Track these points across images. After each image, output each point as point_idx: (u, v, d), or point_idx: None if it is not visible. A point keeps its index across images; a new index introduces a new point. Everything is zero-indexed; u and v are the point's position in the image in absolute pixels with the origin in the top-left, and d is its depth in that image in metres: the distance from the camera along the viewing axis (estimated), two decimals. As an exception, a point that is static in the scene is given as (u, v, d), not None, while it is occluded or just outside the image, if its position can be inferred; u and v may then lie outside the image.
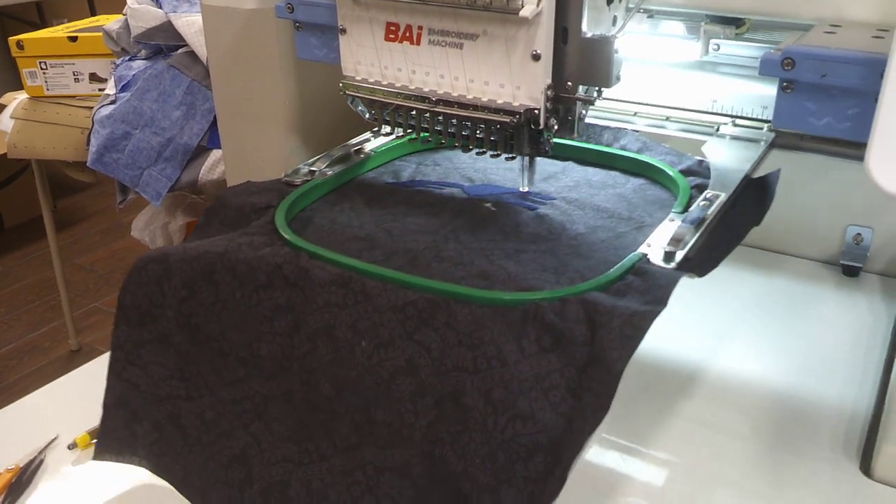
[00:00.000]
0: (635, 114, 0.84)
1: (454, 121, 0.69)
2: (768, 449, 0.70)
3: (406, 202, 0.73)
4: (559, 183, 0.77)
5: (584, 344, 0.53)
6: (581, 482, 0.67)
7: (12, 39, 1.83)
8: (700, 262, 0.61)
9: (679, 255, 0.59)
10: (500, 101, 0.65)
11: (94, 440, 0.75)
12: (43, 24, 3.33)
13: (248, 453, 0.59)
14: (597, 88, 0.66)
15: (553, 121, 0.66)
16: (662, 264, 0.59)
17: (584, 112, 0.67)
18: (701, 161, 0.76)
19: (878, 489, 0.66)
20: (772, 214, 0.73)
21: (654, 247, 0.61)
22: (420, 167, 0.82)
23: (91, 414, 0.77)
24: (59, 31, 1.89)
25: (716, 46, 0.84)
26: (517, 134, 0.67)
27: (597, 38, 0.62)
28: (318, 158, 0.79)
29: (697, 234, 0.62)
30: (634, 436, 0.72)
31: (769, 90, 0.76)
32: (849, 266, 0.96)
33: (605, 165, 0.80)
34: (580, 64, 0.63)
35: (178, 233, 1.66)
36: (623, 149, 0.81)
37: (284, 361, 0.58)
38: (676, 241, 0.61)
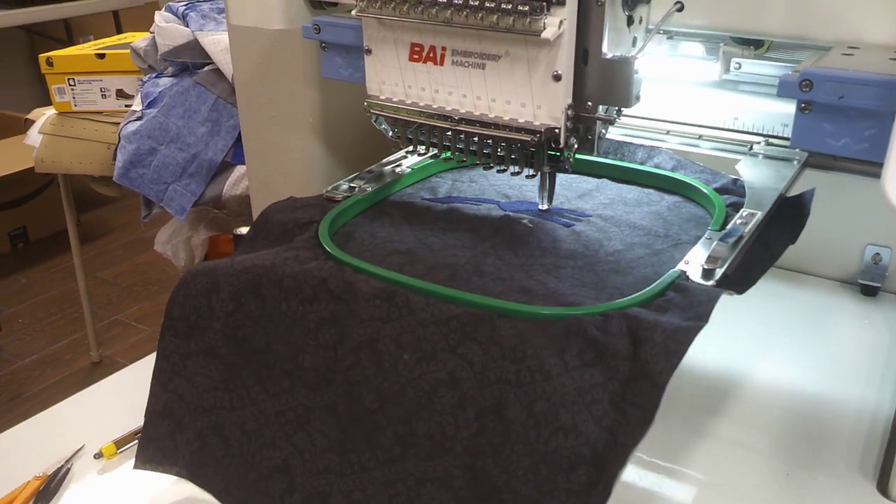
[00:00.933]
0: (668, 132, 0.85)
1: (476, 139, 0.70)
2: (785, 467, 0.71)
3: (444, 218, 0.75)
4: (594, 200, 0.78)
5: (626, 358, 0.53)
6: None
7: (42, 56, 1.87)
8: (738, 279, 0.62)
9: (718, 273, 0.60)
10: (521, 121, 0.66)
11: (120, 450, 0.76)
12: (70, 42, 3.40)
13: (291, 464, 0.60)
14: (616, 108, 0.67)
15: (573, 140, 0.67)
16: (701, 281, 0.60)
17: (603, 131, 0.68)
18: (735, 180, 0.76)
19: (895, 508, 0.66)
20: (790, 233, 0.73)
21: (693, 264, 0.62)
22: (456, 183, 0.83)
23: (117, 424, 0.78)
24: (88, 48, 1.92)
25: (737, 65, 0.85)
26: (537, 152, 0.68)
27: (617, 59, 0.63)
28: (357, 175, 0.81)
29: (735, 252, 0.63)
30: (651, 450, 0.72)
31: (791, 108, 0.77)
32: (867, 286, 0.96)
33: (639, 183, 0.81)
34: (600, 84, 0.64)
35: (200, 247, 1.68)
36: (657, 167, 0.81)
37: (328, 373, 0.60)
38: (714, 258, 0.61)
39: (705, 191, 0.75)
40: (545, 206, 0.75)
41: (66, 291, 2.72)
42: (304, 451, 0.60)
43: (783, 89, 0.61)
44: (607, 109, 0.66)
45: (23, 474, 0.73)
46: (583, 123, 0.67)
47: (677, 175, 0.79)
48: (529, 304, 0.59)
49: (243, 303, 0.63)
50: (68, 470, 0.74)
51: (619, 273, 0.65)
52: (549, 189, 0.74)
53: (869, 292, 0.96)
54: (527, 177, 0.71)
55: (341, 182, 0.79)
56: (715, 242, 0.64)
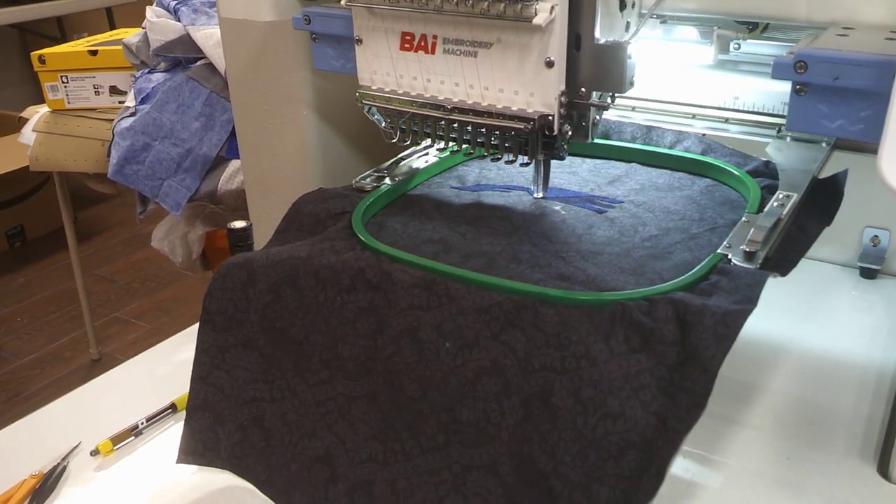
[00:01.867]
0: (694, 116, 0.84)
1: (469, 128, 0.69)
2: (785, 451, 0.70)
3: (475, 206, 0.74)
4: (625, 186, 0.77)
5: (673, 343, 0.53)
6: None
7: (34, 54, 1.86)
8: (780, 261, 0.61)
9: (761, 255, 0.59)
10: (514, 108, 0.66)
11: (117, 447, 0.76)
12: (63, 39, 3.38)
13: (333, 453, 0.60)
14: (610, 94, 0.66)
15: (567, 127, 0.66)
16: (744, 264, 0.59)
17: (598, 118, 0.68)
18: (767, 162, 0.76)
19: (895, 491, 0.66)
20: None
21: (734, 247, 0.61)
22: (484, 171, 0.82)
23: (113, 421, 0.78)
24: (80, 45, 1.91)
25: (736, 45, 0.84)
26: (531, 140, 0.67)
27: (610, 45, 0.63)
28: (384, 165, 0.80)
29: (776, 234, 0.62)
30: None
31: (789, 87, 0.76)
32: (866, 268, 0.96)
33: (669, 168, 0.80)
34: (593, 70, 0.64)
35: (197, 242, 1.68)
36: (686, 151, 0.81)
37: (368, 363, 0.59)
38: (756, 241, 0.61)
39: (738, 174, 0.75)
40: (541, 194, 0.74)
41: (65, 289, 2.72)
42: (346, 441, 0.59)
43: (778, 71, 0.60)
44: (601, 95, 0.66)
45: (19, 472, 0.73)
46: (576, 110, 0.66)
47: (708, 158, 0.78)
48: (571, 290, 0.58)
49: (281, 294, 0.63)
50: (65, 467, 0.74)
51: (658, 258, 0.64)
52: (543, 176, 0.74)
53: (868, 275, 0.96)
54: (521, 165, 0.70)
55: (368, 172, 0.79)
56: (754, 225, 0.63)
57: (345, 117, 0.96)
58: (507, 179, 0.80)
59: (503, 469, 0.54)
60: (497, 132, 0.68)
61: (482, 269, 0.62)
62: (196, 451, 0.66)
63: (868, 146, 0.79)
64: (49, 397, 0.81)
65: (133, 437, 0.77)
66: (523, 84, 0.65)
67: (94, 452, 0.75)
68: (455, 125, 0.69)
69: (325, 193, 0.75)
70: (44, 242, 3.04)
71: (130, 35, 1.61)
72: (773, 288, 0.94)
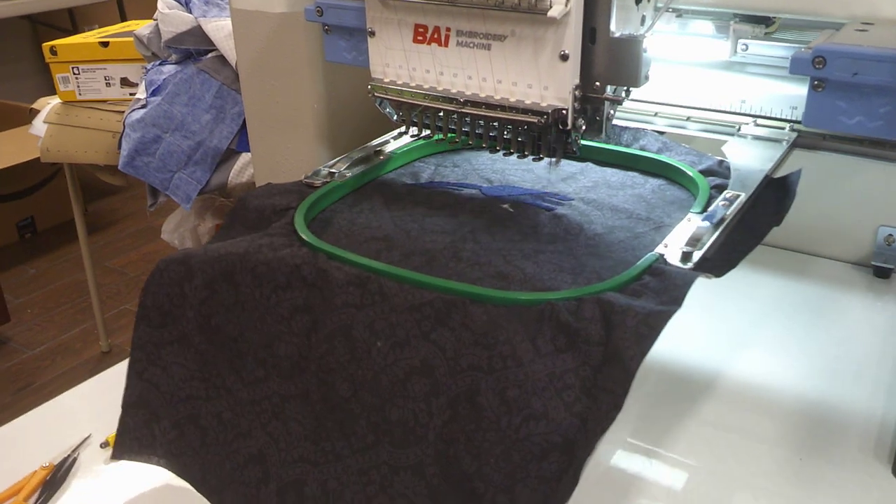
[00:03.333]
0: (656, 114, 0.83)
1: (481, 122, 0.69)
2: (797, 452, 0.70)
3: (425, 203, 0.74)
4: (577, 184, 0.77)
5: (598, 343, 0.52)
6: (607, 486, 0.67)
7: (46, 45, 1.86)
8: (718, 262, 0.60)
9: (696, 256, 0.59)
10: (527, 102, 0.65)
11: (125, 439, 0.76)
12: (75, 30, 3.39)
13: (266, 452, 0.60)
14: (625, 88, 0.65)
15: (581, 121, 0.65)
16: (679, 265, 0.58)
17: (612, 112, 0.67)
18: (721, 161, 0.75)
19: (911, 492, 0.65)
20: (802, 215, 0.72)
21: (672, 247, 0.61)
22: (439, 168, 0.82)
23: (123, 413, 0.78)
24: (91, 36, 1.91)
25: (744, 46, 0.83)
26: (544, 134, 0.67)
27: (625, 38, 0.62)
28: (339, 160, 0.79)
29: (716, 234, 0.61)
30: (661, 439, 0.72)
31: (798, 90, 0.75)
32: (880, 267, 0.95)
33: (624, 166, 0.80)
34: (608, 64, 0.63)
35: (207, 235, 1.68)
36: (643, 149, 0.80)
37: (302, 362, 0.59)
38: (694, 241, 0.60)
39: (690, 173, 0.74)
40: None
41: (75, 281, 2.73)
42: (279, 440, 0.59)
43: (796, 66, 0.60)
44: (615, 89, 0.65)
45: (30, 464, 0.73)
46: (590, 104, 0.65)
47: (662, 157, 0.78)
48: (504, 290, 0.58)
49: (216, 290, 0.62)
50: (75, 459, 0.74)
51: (598, 257, 0.64)
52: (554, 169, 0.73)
53: (882, 274, 0.95)
54: (534, 159, 0.70)
55: (321, 167, 0.78)
56: (696, 224, 0.63)
57: (355, 110, 0.96)
58: (461, 177, 0.80)
59: (430, 470, 0.54)
60: (510, 126, 0.67)
61: (421, 267, 0.62)
62: (132, 448, 0.65)
63: (825, 144, 0.78)
64: (59, 389, 0.81)
65: (142, 430, 0.77)
66: (537, 77, 0.64)
67: (104, 444, 0.75)
68: (467, 118, 0.69)
69: (272, 189, 0.74)
70: (54, 234, 3.05)
71: (142, 27, 1.61)
72: (787, 287, 0.94)
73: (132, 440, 0.65)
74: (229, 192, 1.52)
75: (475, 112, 0.68)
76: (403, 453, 0.55)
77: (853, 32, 0.63)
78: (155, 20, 1.55)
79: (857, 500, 0.65)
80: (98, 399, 0.84)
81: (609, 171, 0.80)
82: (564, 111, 0.64)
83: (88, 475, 0.73)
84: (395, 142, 0.84)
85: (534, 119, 0.65)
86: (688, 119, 0.82)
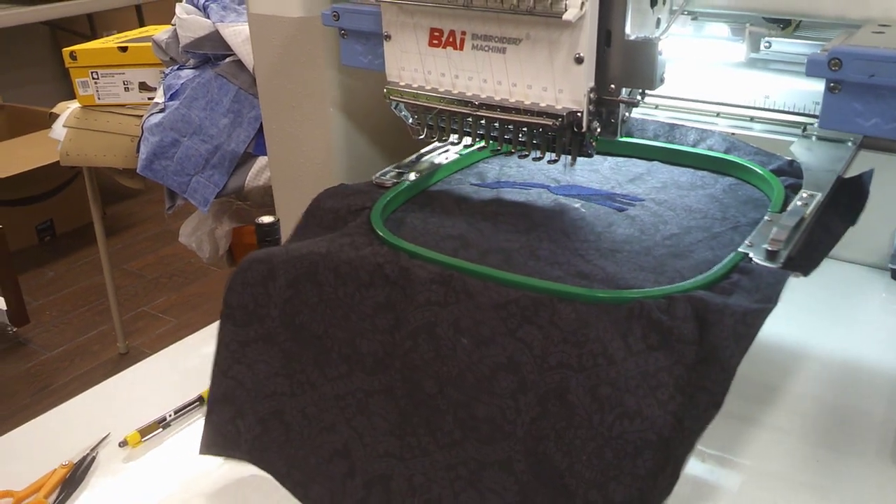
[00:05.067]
0: (718, 114, 0.83)
1: (497, 124, 0.69)
2: (815, 452, 0.69)
3: (494, 203, 0.74)
4: (646, 184, 0.77)
5: (692, 342, 0.52)
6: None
7: (66, 50, 1.88)
8: (803, 261, 0.60)
9: (783, 255, 0.59)
10: (542, 105, 0.65)
11: (145, 438, 0.77)
12: (94, 36, 3.42)
13: (351, 447, 0.60)
14: (640, 91, 0.66)
15: (596, 123, 0.66)
16: (766, 263, 0.58)
17: (627, 114, 0.67)
18: (791, 161, 0.75)
19: (928, 496, 0.65)
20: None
21: (756, 246, 0.60)
22: (504, 168, 0.82)
23: (141, 413, 0.79)
24: (110, 41, 1.93)
25: (767, 44, 0.83)
26: (559, 137, 0.67)
27: (640, 41, 0.62)
28: (404, 161, 0.80)
29: (799, 233, 0.61)
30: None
31: (822, 86, 0.75)
32: (898, 270, 0.94)
33: (692, 166, 0.79)
34: (623, 66, 0.63)
35: (224, 238, 1.69)
36: (710, 149, 0.80)
37: (386, 358, 0.59)
38: (778, 240, 0.60)
39: (762, 172, 0.74)
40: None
41: (93, 284, 2.75)
42: (364, 435, 0.60)
43: (812, 68, 0.60)
44: (630, 92, 0.65)
45: (49, 462, 0.74)
46: (606, 107, 0.65)
47: (731, 157, 0.78)
48: (589, 288, 0.58)
49: (300, 289, 0.63)
50: (94, 458, 0.75)
51: (678, 257, 0.63)
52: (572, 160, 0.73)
53: (899, 277, 0.94)
54: (549, 162, 0.70)
55: (389, 169, 0.79)
56: (776, 224, 0.62)
57: (371, 114, 0.96)
58: (527, 177, 0.80)
59: (518, 466, 0.54)
60: (525, 129, 0.68)
61: (500, 265, 0.62)
62: (217, 443, 0.66)
63: (891, 147, 0.78)
64: (77, 390, 0.82)
65: (161, 430, 0.78)
66: (552, 80, 0.64)
67: (123, 444, 0.76)
68: (483, 122, 0.69)
69: (345, 189, 0.75)
70: (73, 237, 3.08)
71: (160, 32, 1.62)
72: (803, 289, 0.93)
73: (218, 436, 0.66)
74: (246, 196, 1.53)
75: (490, 115, 0.68)
76: (491, 449, 0.55)
77: (870, 34, 0.63)
78: (173, 25, 1.56)
79: (873, 502, 0.64)
80: (116, 398, 0.85)
81: (676, 171, 0.79)
82: (579, 114, 0.64)
83: (107, 473, 0.74)
84: (457, 145, 0.84)
85: (549, 122, 0.65)
86: (751, 119, 0.82)
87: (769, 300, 0.54)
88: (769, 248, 0.59)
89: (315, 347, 0.62)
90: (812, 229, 0.64)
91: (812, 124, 0.79)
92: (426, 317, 0.58)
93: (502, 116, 0.67)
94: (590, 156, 0.69)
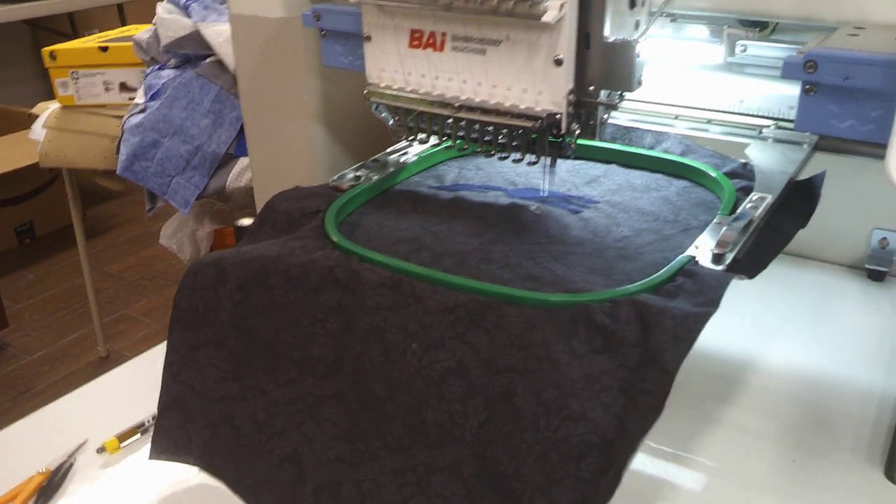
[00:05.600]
0: (676, 117, 0.84)
1: (476, 126, 0.69)
2: (791, 454, 0.70)
3: (451, 205, 0.74)
4: (602, 186, 0.77)
5: (635, 345, 0.53)
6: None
7: (45, 50, 1.86)
8: (749, 264, 0.61)
9: (728, 257, 0.59)
10: (522, 107, 0.65)
11: (123, 444, 0.76)
12: (75, 35, 3.39)
13: (301, 453, 0.60)
14: (619, 93, 0.66)
15: (575, 125, 0.66)
16: (712, 266, 0.59)
17: (606, 116, 0.67)
18: (745, 164, 0.75)
19: (904, 495, 0.65)
20: (796, 218, 0.72)
21: (703, 249, 0.61)
22: (463, 171, 0.82)
23: (119, 419, 0.78)
24: (91, 41, 1.92)
25: (742, 48, 0.84)
26: (539, 138, 0.67)
27: (619, 43, 0.63)
28: (363, 164, 0.80)
29: (746, 236, 0.62)
30: (658, 438, 0.72)
31: (796, 90, 0.76)
32: (874, 270, 0.95)
33: (648, 169, 0.80)
34: (602, 68, 0.64)
35: (205, 240, 1.68)
36: (666, 152, 0.81)
37: (336, 363, 0.59)
38: (725, 243, 0.60)
39: (714, 175, 0.75)
40: (546, 192, 0.74)
41: (73, 286, 2.73)
42: (314, 441, 0.59)
43: (788, 71, 0.60)
44: (609, 94, 0.65)
45: (26, 469, 0.73)
46: (585, 109, 0.66)
47: (686, 160, 0.78)
48: (537, 291, 0.58)
49: (250, 293, 0.63)
50: (71, 465, 0.74)
51: (628, 259, 0.64)
52: (550, 174, 0.74)
53: (876, 277, 0.95)
54: (529, 164, 0.70)
55: (347, 171, 0.78)
56: (725, 227, 0.63)
57: (352, 115, 0.96)
58: (485, 179, 0.80)
59: (466, 470, 0.54)
60: (504, 130, 0.68)
61: (452, 268, 0.62)
62: (168, 449, 0.66)
63: (852, 147, 0.78)
64: (57, 394, 0.81)
65: (139, 435, 0.77)
66: (531, 82, 0.64)
67: (101, 450, 0.75)
68: (462, 123, 0.69)
69: (300, 192, 0.74)
70: (53, 239, 3.05)
71: (141, 31, 1.61)
72: (781, 290, 0.94)
73: (168, 441, 0.65)
74: (227, 197, 1.52)
75: (470, 117, 0.68)
76: (440, 454, 0.55)
77: (845, 37, 0.63)
78: (154, 25, 1.55)
79: (849, 501, 0.65)
80: (95, 404, 0.84)
81: (633, 173, 0.80)
82: (559, 116, 0.64)
83: (85, 480, 0.73)
84: (419, 145, 0.84)
85: (528, 124, 0.65)
86: (709, 122, 0.82)
87: (711, 303, 0.54)
88: (715, 251, 0.60)
89: (265, 352, 0.62)
90: (761, 232, 0.64)
91: (769, 127, 0.80)
92: (376, 321, 0.58)
93: (482, 118, 0.67)
94: (569, 157, 0.69)
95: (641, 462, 0.69)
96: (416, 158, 0.82)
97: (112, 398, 0.85)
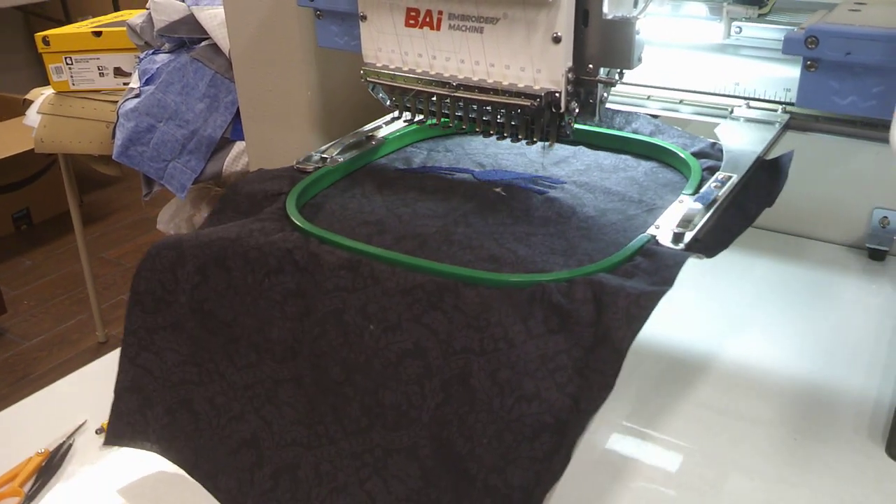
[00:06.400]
0: (649, 97, 0.83)
1: (474, 105, 0.69)
2: (793, 433, 0.70)
3: (417, 187, 0.74)
4: (570, 167, 0.77)
5: (590, 325, 0.53)
6: (603, 469, 0.67)
7: (39, 35, 1.85)
8: (710, 243, 0.60)
9: (688, 236, 0.59)
10: (520, 85, 0.65)
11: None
12: (67, 21, 3.37)
13: (259, 436, 0.60)
14: (618, 71, 0.65)
15: (574, 104, 0.65)
16: (671, 245, 0.59)
17: (605, 95, 0.67)
18: (714, 143, 0.75)
19: (905, 472, 0.66)
20: (796, 198, 0.72)
21: (664, 228, 0.61)
22: (431, 153, 0.82)
23: (119, 400, 0.78)
24: (84, 26, 1.90)
25: (738, 29, 0.83)
26: (538, 118, 0.67)
27: (618, 20, 0.62)
28: (331, 145, 0.79)
29: (707, 216, 0.62)
30: (655, 422, 0.72)
31: (792, 72, 0.75)
32: (875, 249, 0.95)
33: (616, 149, 0.80)
34: (601, 46, 0.63)
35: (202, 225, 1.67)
36: (635, 132, 0.80)
37: (295, 345, 0.59)
38: (686, 221, 0.60)
39: (682, 155, 0.74)
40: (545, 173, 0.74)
41: (71, 272, 2.73)
42: (272, 424, 0.59)
43: (788, 46, 0.60)
44: (608, 72, 0.65)
45: (25, 450, 0.73)
46: (584, 87, 0.65)
47: (654, 140, 0.78)
48: (496, 272, 0.58)
49: (209, 275, 0.62)
50: (70, 445, 0.74)
51: (590, 239, 0.64)
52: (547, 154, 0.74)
53: (877, 256, 0.95)
54: (527, 143, 0.70)
55: (313, 153, 0.78)
56: (688, 206, 0.63)
57: (349, 97, 0.96)
58: (453, 162, 0.80)
59: (423, 452, 0.54)
60: (503, 109, 0.67)
61: (413, 250, 0.62)
62: (125, 434, 0.65)
63: (818, 126, 0.78)
64: (56, 379, 0.81)
65: (138, 417, 0.77)
66: (530, 60, 0.64)
67: (100, 431, 0.75)
68: (460, 103, 0.69)
69: (264, 174, 0.74)
70: (50, 225, 3.04)
71: (134, 16, 1.60)
72: (782, 270, 0.94)
73: (125, 425, 0.65)
74: (224, 181, 1.51)
75: (468, 96, 0.67)
76: (397, 436, 0.55)
77: (846, 12, 0.63)
78: (147, 9, 1.54)
79: (851, 479, 0.65)
80: (94, 386, 0.84)
81: (602, 154, 0.80)
82: (557, 94, 0.64)
83: (84, 461, 0.73)
84: (388, 127, 0.84)
85: (527, 102, 0.65)
86: (681, 102, 0.82)
87: (666, 282, 0.54)
88: (675, 231, 0.59)
89: (224, 335, 0.62)
90: (725, 211, 0.64)
91: (740, 106, 0.79)
92: (334, 303, 0.58)
93: (480, 97, 0.67)
94: (568, 136, 0.68)
95: (645, 451, 0.69)
96: (385, 140, 0.81)
97: (111, 380, 0.84)
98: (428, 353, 0.54)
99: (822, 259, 0.96)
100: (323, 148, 0.79)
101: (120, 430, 0.65)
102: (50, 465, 0.72)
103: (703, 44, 0.83)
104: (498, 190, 0.72)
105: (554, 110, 0.65)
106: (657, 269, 0.56)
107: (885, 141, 0.74)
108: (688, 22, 0.83)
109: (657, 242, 0.59)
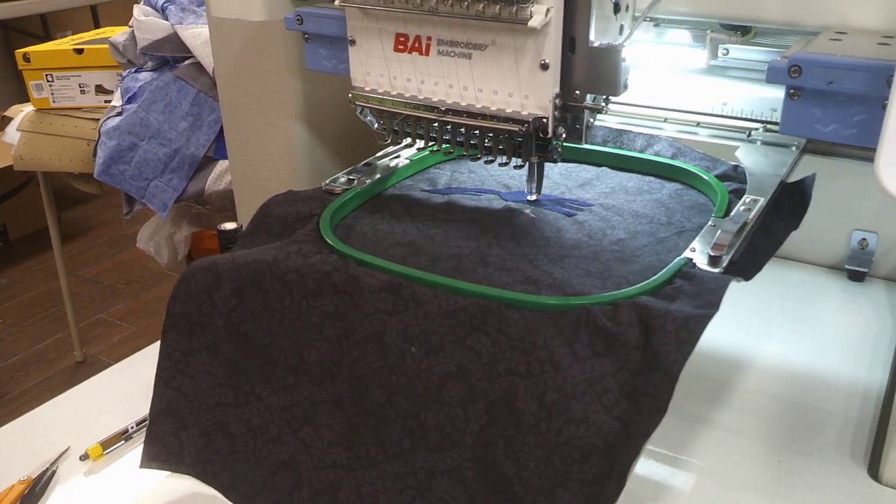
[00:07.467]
0: (665, 120, 0.84)
1: (463, 130, 0.69)
2: (776, 453, 0.71)
3: (445, 209, 0.74)
4: (595, 189, 0.78)
5: (636, 347, 0.53)
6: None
7: (19, 52, 1.84)
8: (745, 266, 0.61)
9: (725, 260, 0.60)
10: (508, 111, 0.66)
11: (107, 451, 0.75)
12: (47, 37, 3.35)
13: (298, 458, 0.59)
14: (604, 97, 0.66)
15: (561, 129, 0.66)
16: (708, 268, 0.59)
17: (591, 120, 0.68)
18: (736, 166, 0.76)
19: (886, 493, 0.66)
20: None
21: (699, 251, 0.61)
22: (455, 174, 0.82)
23: (102, 425, 0.77)
24: (65, 43, 1.90)
25: (725, 51, 0.84)
26: (525, 142, 0.67)
27: (604, 47, 0.63)
28: (355, 168, 0.80)
29: (741, 239, 0.62)
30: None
31: (778, 93, 0.76)
32: (854, 271, 0.96)
33: (639, 171, 0.81)
34: (588, 73, 0.64)
35: (183, 243, 1.66)
36: (657, 154, 0.81)
37: (334, 368, 0.59)
38: (721, 245, 0.61)
39: (707, 178, 0.75)
40: (534, 197, 0.74)
41: (49, 290, 2.70)
42: (311, 446, 0.59)
43: (772, 75, 0.61)
44: (595, 98, 0.66)
45: (7, 478, 0.72)
46: (571, 112, 0.66)
47: (678, 162, 0.79)
48: (537, 295, 0.58)
49: (246, 298, 0.62)
50: (54, 472, 0.73)
51: (625, 262, 0.64)
52: (537, 179, 0.74)
53: (856, 277, 0.96)
54: (515, 167, 0.70)
55: (339, 175, 0.78)
56: (720, 229, 0.63)
57: (333, 118, 0.96)
58: (478, 183, 0.80)
59: (467, 474, 0.54)
60: (491, 134, 0.68)
61: (450, 272, 0.62)
62: (160, 456, 0.65)
63: (839, 150, 0.80)
64: (33, 399, 0.81)
65: (123, 442, 0.76)
66: (517, 86, 0.65)
67: (84, 457, 0.74)
68: (448, 127, 0.69)
69: (294, 196, 0.74)
70: (27, 243, 3.01)
71: (117, 34, 1.59)
72: (762, 291, 0.95)
73: (160, 448, 0.65)
74: (206, 200, 1.51)
75: (456, 121, 0.68)
76: (440, 458, 0.55)
77: (827, 41, 0.64)
78: (130, 27, 1.54)
79: (834, 500, 0.66)
80: (76, 410, 0.83)
81: (625, 176, 0.80)
82: (545, 119, 0.65)
83: (68, 488, 0.72)
84: (411, 149, 0.84)
85: (515, 127, 0.65)
86: (697, 125, 0.83)
87: (711, 305, 0.55)
88: (712, 254, 0.60)
89: (261, 357, 0.62)
90: (754, 234, 0.65)
91: (757, 129, 0.80)
92: (375, 326, 0.58)
93: (468, 122, 0.68)
94: (555, 161, 0.69)
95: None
96: (407, 162, 0.82)
97: (94, 404, 0.84)
98: (471, 375, 0.54)
99: (802, 280, 0.97)
100: (348, 170, 0.79)
101: (155, 454, 0.65)
102: (33, 493, 0.71)
103: (689, 67, 0.85)
104: (527, 212, 0.73)
105: (541, 135, 0.66)
106: (699, 293, 0.56)
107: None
108: (672, 48, 0.84)
109: (694, 265, 0.60)
